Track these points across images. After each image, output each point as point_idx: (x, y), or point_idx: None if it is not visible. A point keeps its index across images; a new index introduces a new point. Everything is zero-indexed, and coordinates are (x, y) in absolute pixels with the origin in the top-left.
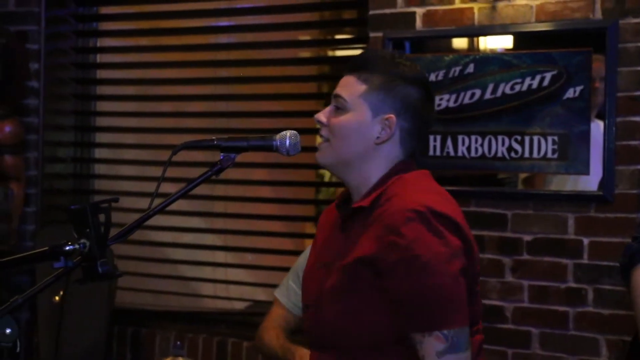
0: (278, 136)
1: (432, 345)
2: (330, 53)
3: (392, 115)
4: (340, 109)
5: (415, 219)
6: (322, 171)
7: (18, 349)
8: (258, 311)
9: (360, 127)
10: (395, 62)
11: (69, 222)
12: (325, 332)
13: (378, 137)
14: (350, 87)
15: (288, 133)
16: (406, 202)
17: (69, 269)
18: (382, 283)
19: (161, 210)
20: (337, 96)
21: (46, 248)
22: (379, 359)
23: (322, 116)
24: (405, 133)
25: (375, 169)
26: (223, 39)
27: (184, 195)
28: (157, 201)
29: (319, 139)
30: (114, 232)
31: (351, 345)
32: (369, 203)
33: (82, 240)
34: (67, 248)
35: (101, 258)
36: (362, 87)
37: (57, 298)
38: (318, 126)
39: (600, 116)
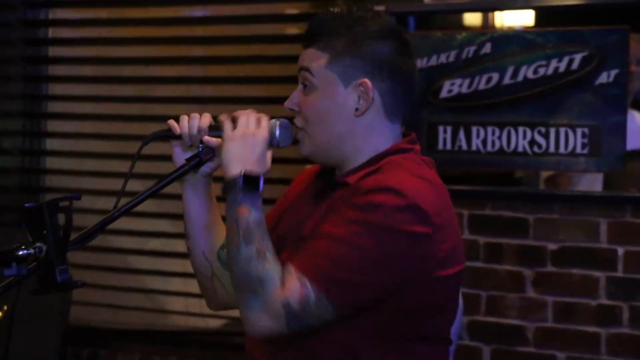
0: None
1: (293, 289)
2: None
3: (365, 80)
4: (308, 87)
5: (385, 190)
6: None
7: None
8: (236, 330)
9: (334, 103)
10: (355, 18)
11: (21, 224)
12: None
13: (357, 109)
14: (312, 61)
15: (278, 121)
16: (384, 179)
17: (22, 277)
18: None
19: (128, 212)
20: (302, 70)
21: None
22: (336, 350)
23: (291, 103)
24: (386, 96)
25: (363, 143)
26: (197, 11)
27: (154, 194)
28: (123, 201)
29: (296, 129)
30: (73, 235)
31: None
32: (355, 181)
33: (38, 244)
34: (21, 253)
35: (60, 265)
36: (325, 57)
37: (1, 313)
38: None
39: (638, 105)
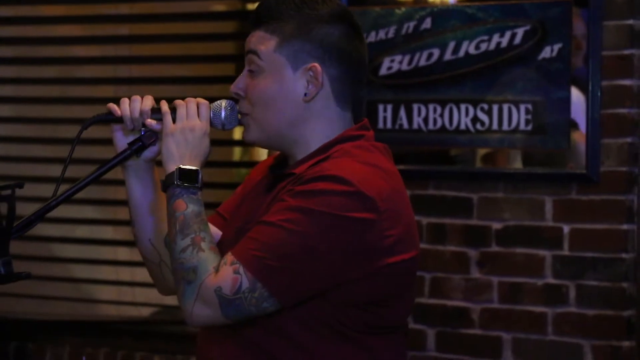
0: (211, 106)
1: (226, 275)
2: (250, 6)
3: (315, 64)
4: (255, 72)
5: (327, 178)
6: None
7: None
8: (170, 319)
9: (282, 88)
10: (305, 1)
11: None
12: None
13: (306, 94)
14: (260, 44)
15: (223, 103)
16: (327, 167)
17: None
18: None
19: (69, 198)
20: (249, 53)
21: None
22: (281, 341)
23: (236, 87)
24: (336, 81)
25: (312, 131)
26: None
27: (96, 180)
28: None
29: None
30: None
31: None
32: (303, 171)
33: None
34: None
35: (2, 256)
36: (274, 40)
37: None
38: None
39: (582, 80)
